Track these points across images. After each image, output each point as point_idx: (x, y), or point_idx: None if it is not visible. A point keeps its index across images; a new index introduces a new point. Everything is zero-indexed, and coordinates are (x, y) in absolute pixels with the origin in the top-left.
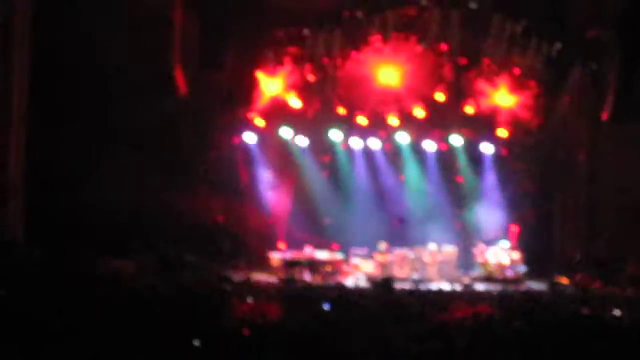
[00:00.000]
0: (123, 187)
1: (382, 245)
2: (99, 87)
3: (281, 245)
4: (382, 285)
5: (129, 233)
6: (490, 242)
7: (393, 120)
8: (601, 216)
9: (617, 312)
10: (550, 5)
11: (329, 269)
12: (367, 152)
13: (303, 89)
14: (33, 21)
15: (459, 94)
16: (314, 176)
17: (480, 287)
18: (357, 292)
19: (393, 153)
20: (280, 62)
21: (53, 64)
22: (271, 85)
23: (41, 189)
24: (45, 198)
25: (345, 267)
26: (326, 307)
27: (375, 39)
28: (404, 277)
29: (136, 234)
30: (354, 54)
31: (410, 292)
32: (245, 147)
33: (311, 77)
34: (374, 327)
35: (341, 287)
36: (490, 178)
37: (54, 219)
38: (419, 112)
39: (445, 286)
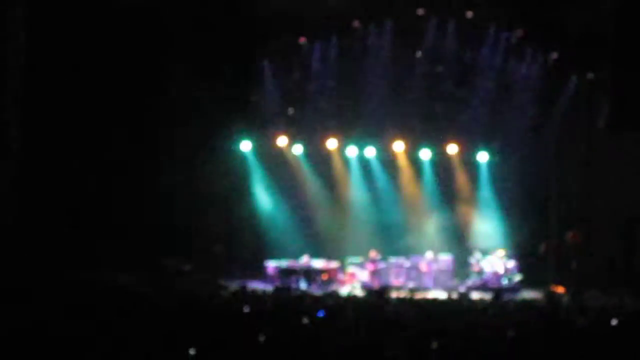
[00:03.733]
0: (120, 200)
1: (375, 254)
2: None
3: (277, 253)
4: (377, 294)
5: (128, 244)
6: (486, 251)
7: (389, 129)
8: (596, 225)
9: (614, 322)
10: (547, 15)
11: (324, 277)
12: (363, 160)
13: (299, 99)
14: None
15: (455, 104)
16: (311, 185)
17: (475, 295)
18: (352, 300)
19: (389, 161)
20: (276, 72)
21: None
22: (268, 94)
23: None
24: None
25: (341, 276)
26: (321, 314)
27: (371, 48)
28: (400, 286)
29: (135, 245)
30: (349, 63)
31: (405, 301)
32: (242, 156)
33: (307, 87)
34: (368, 335)
35: (336, 296)
36: (486, 187)
37: (53, 229)
38: (415, 122)
39: (441, 294)
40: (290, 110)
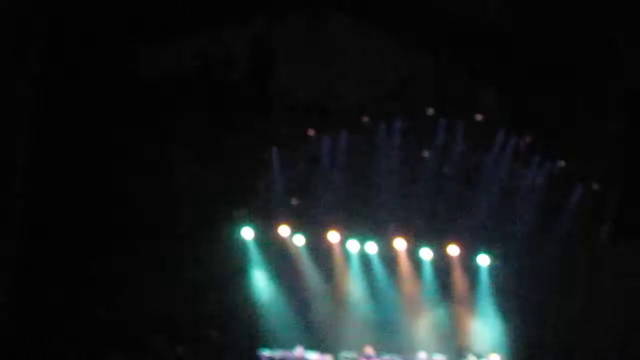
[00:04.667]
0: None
1: (369, 350)
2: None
3: (271, 343)
4: None
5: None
6: (481, 355)
7: (392, 227)
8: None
9: None
10: (556, 125)
11: None
12: (364, 256)
13: (305, 190)
14: None
15: (458, 206)
16: (310, 277)
17: None
18: None
19: (389, 258)
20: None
21: None
22: (273, 183)
23: None
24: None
25: None
26: None
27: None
28: None
29: (129, 327)
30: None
31: None
32: (243, 243)
33: (313, 179)
34: None
35: None
36: (485, 290)
37: None
38: (418, 221)
39: None
40: (295, 201)
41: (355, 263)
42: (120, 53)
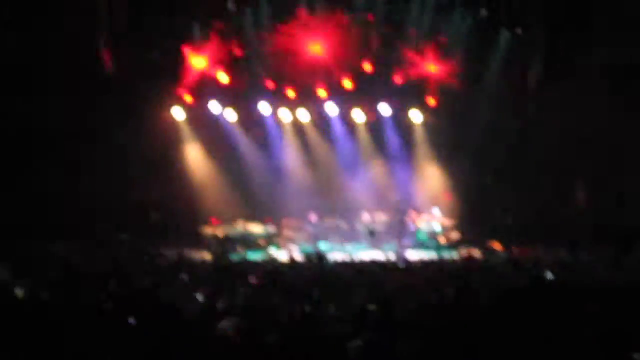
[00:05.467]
0: (56, 170)
1: (313, 217)
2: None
3: (214, 220)
4: (316, 258)
5: (63, 214)
6: (422, 210)
7: (322, 92)
8: (530, 179)
9: (549, 276)
10: None
11: (262, 243)
12: (297, 125)
13: (231, 64)
14: None
15: (386, 65)
16: (245, 150)
17: (414, 255)
18: (291, 265)
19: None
20: (206, 38)
21: None
22: (199, 60)
23: None
24: None
25: (279, 240)
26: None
27: (302, 11)
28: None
29: (69, 215)
30: (280, 27)
31: (343, 264)
32: (174, 123)
33: (238, 52)
34: (307, 300)
35: (274, 261)
36: (422, 146)
37: None
38: (348, 83)
39: (379, 256)
40: (223, 76)
41: (289, 133)
42: None
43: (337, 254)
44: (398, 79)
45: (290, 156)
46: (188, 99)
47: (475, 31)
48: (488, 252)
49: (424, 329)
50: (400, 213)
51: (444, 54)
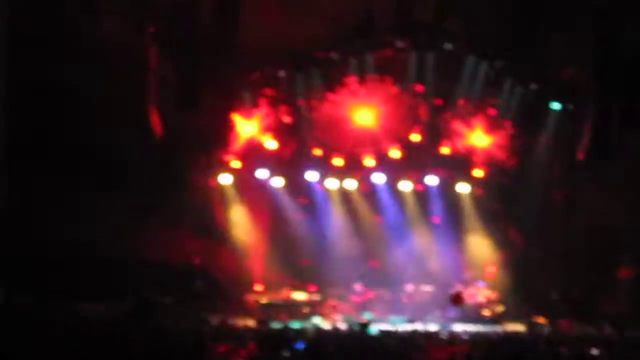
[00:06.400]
0: (96, 229)
1: (359, 287)
2: (74, 126)
3: (258, 287)
4: (359, 327)
5: (104, 275)
6: (467, 282)
7: (369, 161)
8: (577, 256)
9: (594, 352)
10: (526, 46)
11: (306, 310)
12: (344, 193)
13: (279, 131)
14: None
15: (434, 135)
16: (291, 216)
17: (457, 327)
18: (334, 332)
19: (369, 193)
20: (255, 104)
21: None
22: (247, 126)
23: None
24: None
25: (322, 308)
26: (300, 346)
27: (351, 80)
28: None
29: (111, 277)
30: (329, 95)
31: (387, 333)
32: (221, 189)
33: (287, 119)
34: None
35: (318, 328)
36: (469, 217)
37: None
38: (395, 153)
39: (423, 326)
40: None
41: (336, 200)
42: None
43: (380, 324)
44: (446, 150)
45: (336, 224)
46: (236, 164)
47: (524, 104)
48: (532, 325)
49: None
50: (444, 284)
51: (492, 125)
